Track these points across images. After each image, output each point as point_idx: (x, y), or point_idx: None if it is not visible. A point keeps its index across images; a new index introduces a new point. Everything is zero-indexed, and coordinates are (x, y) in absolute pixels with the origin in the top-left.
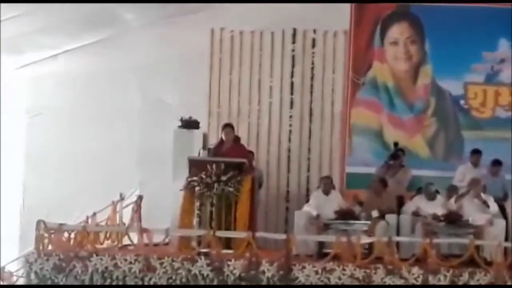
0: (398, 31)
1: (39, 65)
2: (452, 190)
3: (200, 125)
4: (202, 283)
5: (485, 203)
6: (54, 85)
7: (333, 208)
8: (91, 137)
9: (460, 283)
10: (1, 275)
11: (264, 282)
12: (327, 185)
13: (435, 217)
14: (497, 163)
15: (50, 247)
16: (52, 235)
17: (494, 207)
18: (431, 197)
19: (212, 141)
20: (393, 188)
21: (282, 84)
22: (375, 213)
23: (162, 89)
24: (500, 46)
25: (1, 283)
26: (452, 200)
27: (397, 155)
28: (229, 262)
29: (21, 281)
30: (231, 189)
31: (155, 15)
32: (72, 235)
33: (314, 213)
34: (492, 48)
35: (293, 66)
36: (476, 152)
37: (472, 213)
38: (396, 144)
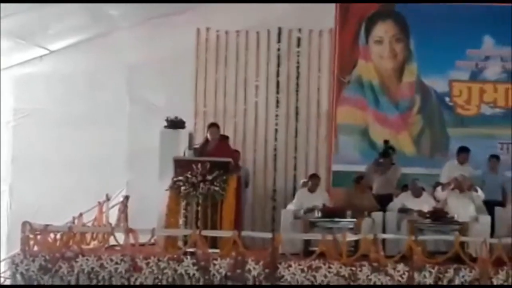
0: (383, 30)
1: (25, 65)
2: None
3: (186, 124)
4: (188, 282)
5: (472, 186)
6: (40, 86)
7: (318, 206)
8: (77, 138)
9: (445, 279)
10: None
11: (250, 281)
12: (314, 184)
13: (421, 214)
14: (494, 157)
15: (36, 248)
16: (38, 236)
17: (481, 195)
18: (417, 194)
19: (199, 141)
20: (382, 186)
21: (268, 83)
22: (349, 214)
23: (149, 89)
24: (485, 44)
25: None
26: (439, 188)
27: (387, 153)
28: (215, 261)
29: (7, 283)
30: (216, 188)
31: (141, 15)
32: (58, 236)
33: (293, 207)
34: (477, 45)
35: (278, 65)
36: (463, 150)
37: (458, 209)
38: (386, 141)
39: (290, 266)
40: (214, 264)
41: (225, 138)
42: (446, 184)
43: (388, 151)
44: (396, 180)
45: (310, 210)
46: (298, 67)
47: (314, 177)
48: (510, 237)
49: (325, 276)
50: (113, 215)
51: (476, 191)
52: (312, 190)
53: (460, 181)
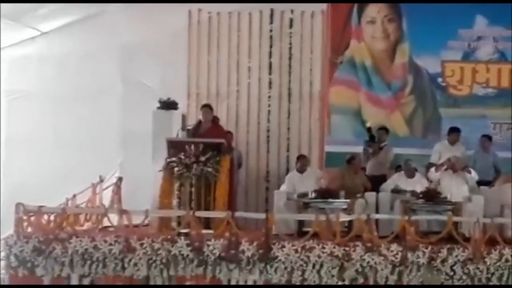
0: (375, 10)
1: (17, 47)
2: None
3: (179, 106)
4: (182, 263)
5: (465, 167)
6: (33, 67)
7: (309, 185)
8: (70, 119)
9: (439, 259)
10: None
11: (244, 262)
12: (303, 165)
13: (414, 194)
14: (485, 137)
15: (29, 229)
16: (32, 218)
17: (474, 176)
18: (410, 174)
19: (191, 122)
20: (375, 168)
21: (260, 64)
22: (342, 194)
23: (142, 71)
24: (477, 23)
25: None
26: (432, 169)
27: (372, 139)
28: (209, 242)
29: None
30: (210, 169)
31: None
32: (52, 218)
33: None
34: (469, 25)
35: (271, 46)
36: (454, 131)
37: (450, 189)
38: (369, 129)
39: (284, 246)
40: (208, 245)
41: (216, 119)
42: (439, 164)
43: (373, 137)
44: (389, 162)
45: (303, 195)
46: (290, 48)
47: (302, 158)
48: (499, 217)
49: (319, 257)
50: (106, 197)
51: (470, 172)
52: (301, 171)
53: (453, 162)
